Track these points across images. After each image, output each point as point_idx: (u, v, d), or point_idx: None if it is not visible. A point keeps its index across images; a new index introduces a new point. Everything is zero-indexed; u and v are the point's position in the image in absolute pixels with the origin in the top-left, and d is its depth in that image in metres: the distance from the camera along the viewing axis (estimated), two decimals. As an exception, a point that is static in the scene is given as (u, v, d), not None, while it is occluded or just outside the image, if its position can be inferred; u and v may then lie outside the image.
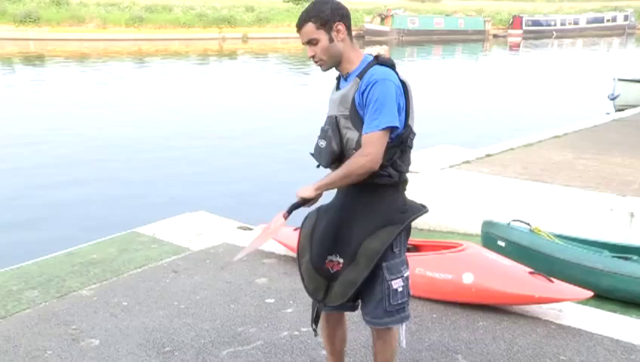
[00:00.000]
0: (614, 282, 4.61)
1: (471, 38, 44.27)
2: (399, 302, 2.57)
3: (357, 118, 2.47)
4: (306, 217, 2.74)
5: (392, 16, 42.70)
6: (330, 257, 2.60)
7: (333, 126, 2.54)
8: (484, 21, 47.09)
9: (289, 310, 3.97)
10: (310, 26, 2.48)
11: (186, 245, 5.21)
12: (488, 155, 8.09)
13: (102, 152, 11.39)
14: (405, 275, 2.59)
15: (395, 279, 2.55)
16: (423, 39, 41.42)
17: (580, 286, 3.99)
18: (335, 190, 2.65)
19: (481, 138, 11.28)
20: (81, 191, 9.19)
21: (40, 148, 11.57)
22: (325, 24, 2.48)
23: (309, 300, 2.76)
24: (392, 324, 2.62)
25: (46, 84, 19.91)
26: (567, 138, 9.58)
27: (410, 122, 2.52)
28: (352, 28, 2.60)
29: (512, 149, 8.54)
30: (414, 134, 2.55)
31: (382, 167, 2.46)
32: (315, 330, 2.79)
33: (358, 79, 2.47)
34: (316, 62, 2.54)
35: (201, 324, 3.79)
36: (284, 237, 4.81)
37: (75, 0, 37.67)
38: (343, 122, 2.51)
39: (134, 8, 37.48)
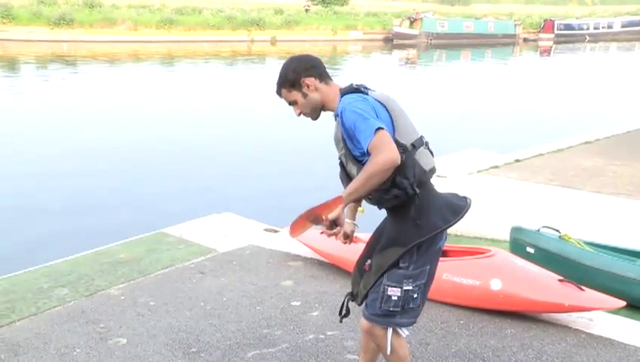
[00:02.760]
0: (647, 292, 4.50)
1: (501, 41, 43.76)
2: (390, 309, 2.61)
3: (349, 153, 2.61)
4: None
5: (421, 19, 42.37)
6: (370, 260, 2.76)
7: (341, 168, 2.73)
8: (515, 25, 46.53)
9: (315, 313, 3.96)
10: (284, 92, 2.70)
11: (212, 246, 5.25)
12: (517, 161, 7.99)
13: (131, 153, 11.52)
14: (405, 288, 2.58)
15: (392, 287, 2.59)
16: (452, 43, 41.07)
17: (611, 295, 3.91)
18: None
19: (510, 143, 11.13)
20: (111, 191, 9.31)
21: (70, 149, 11.74)
22: (294, 85, 2.66)
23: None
24: (378, 324, 2.68)
25: (77, 85, 20.22)
26: (598, 144, 9.40)
27: (397, 137, 2.50)
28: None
29: (541, 155, 8.41)
30: (406, 148, 2.50)
31: (385, 191, 2.50)
32: (341, 318, 2.87)
33: (338, 119, 2.62)
34: (305, 116, 2.75)
35: (227, 326, 3.81)
36: (310, 239, 4.82)
37: (108, 2, 38.30)
38: (345, 161, 2.68)
39: (165, 10, 37.96)
